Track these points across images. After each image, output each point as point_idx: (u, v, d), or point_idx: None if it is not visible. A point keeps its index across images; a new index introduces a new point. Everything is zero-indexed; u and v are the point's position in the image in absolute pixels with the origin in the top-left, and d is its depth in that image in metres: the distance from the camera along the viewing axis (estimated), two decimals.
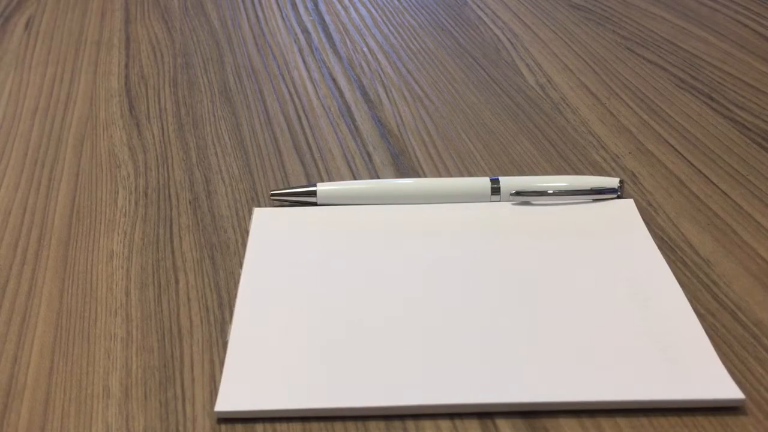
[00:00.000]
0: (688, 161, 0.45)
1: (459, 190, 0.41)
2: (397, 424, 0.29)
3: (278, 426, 0.30)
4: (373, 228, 0.40)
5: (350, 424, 0.30)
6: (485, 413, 0.30)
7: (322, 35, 0.64)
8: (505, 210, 0.41)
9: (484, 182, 0.41)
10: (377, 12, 0.68)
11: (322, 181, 0.44)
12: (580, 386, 0.30)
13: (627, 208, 0.40)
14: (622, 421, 0.29)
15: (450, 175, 0.44)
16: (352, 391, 0.30)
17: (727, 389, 0.29)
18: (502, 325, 0.33)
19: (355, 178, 0.44)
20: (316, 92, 0.54)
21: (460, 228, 0.39)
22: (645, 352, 0.31)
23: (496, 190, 0.41)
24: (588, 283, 0.35)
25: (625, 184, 0.42)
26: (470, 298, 0.34)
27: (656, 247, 0.37)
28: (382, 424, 0.29)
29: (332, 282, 0.36)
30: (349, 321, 0.34)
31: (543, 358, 0.31)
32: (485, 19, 0.66)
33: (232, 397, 0.30)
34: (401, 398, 0.30)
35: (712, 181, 0.43)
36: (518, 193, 0.40)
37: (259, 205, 0.42)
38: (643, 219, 0.39)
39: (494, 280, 0.36)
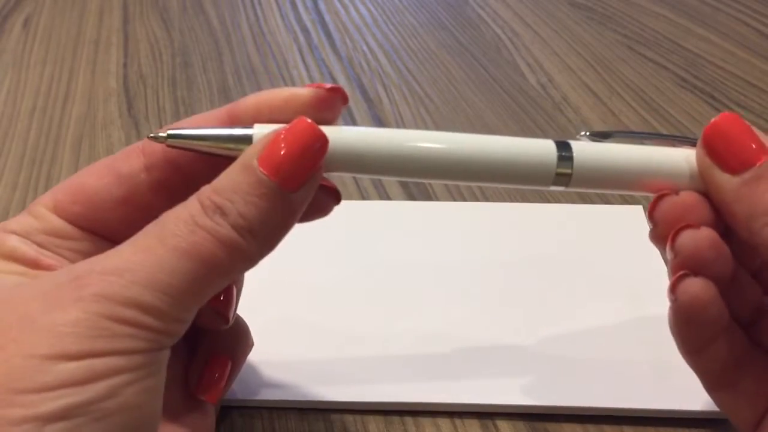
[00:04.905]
0: None
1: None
2: (395, 420, 0.29)
3: (276, 416, 0.30)
4: (379, 223, 0.39)
5: (348, 418, 0.29)
6: (485, 414, 0.30)
7: (321, 34, 0.63)
8: (510, 211, 0.40)
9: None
10: (377, 11, 0.67)
11: None
12: (578, 392, 0.30)
13: (635, 213, 0.40)
14: (627, 429, 0.29)
15: None
16: (350, 386, 0.30)
17: None
18: (505, 326, 0.33)
19: (355, 179, 0.44)
20: None
21: (465, 227, 0.39)
22: (646, 361, 0.31)
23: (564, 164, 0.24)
24: (593, 288, 0.35)
25: None
26: (473, 298, 0.34)
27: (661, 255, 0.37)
28: (380, 419, 0.29)
29: (335, 276, 0.36)
30: (351, 315, 0.33)
31: (544, 362, 0.31)
32: (486, 17, 0.65)
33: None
34: (399, 395, 0.30)
35: None
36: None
37: None
38: None
39: (498, 281, 0.35)
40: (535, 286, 0.35)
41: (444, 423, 0.29)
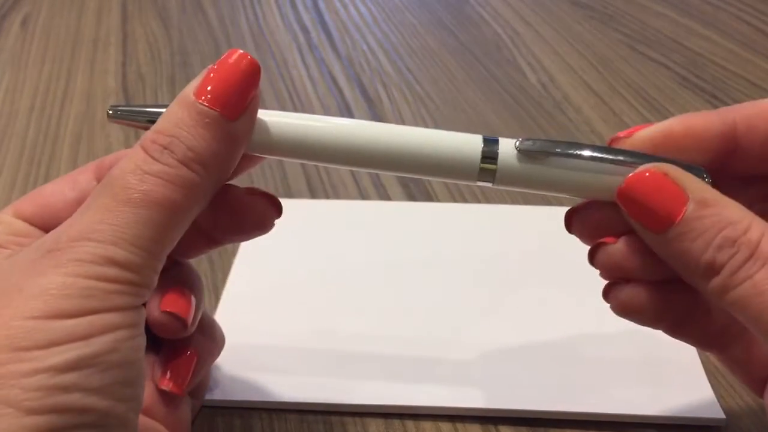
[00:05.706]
0: None
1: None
2: (396, 423, 0.29)
3: (275, 418, 0.29)
4: (379, 223, 0.39)
5: (348, 420, 0.29)
6: (487, 418, 0.29)
7: (321, 33, 0.63)
8: (510, 212, 0.40)
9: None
10: (377, 10, 0.67)
11: (323, 183, 0.43)
12: (582, 397, 0.29)
13: None
14: None
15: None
16: (350, 388, 0.30)
17: (711, 409, 0.29)
18: (507, 329, 0.33)
19: (355, 180, 0.44)
20: (315, 91, 0.54)
21: (465, 228, 0.39)
22: (651, 366, 0.31)
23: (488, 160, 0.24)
24: (596, 291, 0.34)
25: None
26: (474, 300, 0.34)
27: None
28: (381, 422, 0.29)
29: (335, 276, 0.35)
30: (352, 317, 0.33)
31: (548, 366, 0.31)
32: (486, 16, 0.65)
33: (220, 387, 0.30)
34: (400, 398, 0.29)
35: None
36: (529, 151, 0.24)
37: None
38: None
39: (499, 283, 0.35)
40: (538, 288, 0.35)
41: (445, 427, 0.29)
